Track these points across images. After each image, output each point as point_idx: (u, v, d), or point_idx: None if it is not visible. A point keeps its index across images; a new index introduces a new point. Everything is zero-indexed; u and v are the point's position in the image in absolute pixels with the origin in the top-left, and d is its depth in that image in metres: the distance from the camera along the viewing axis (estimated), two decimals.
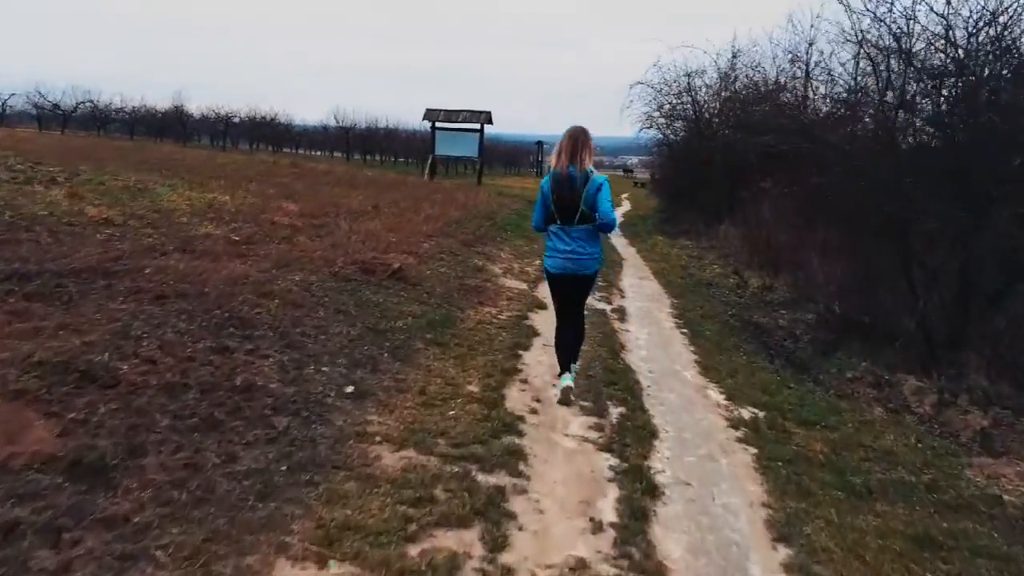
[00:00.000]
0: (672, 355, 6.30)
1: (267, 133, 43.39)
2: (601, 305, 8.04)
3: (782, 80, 13.39)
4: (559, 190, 4.42)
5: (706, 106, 15.10)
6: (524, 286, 8.30)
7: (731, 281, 10.65)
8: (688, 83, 14.84)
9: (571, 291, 4.71)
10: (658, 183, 27.47)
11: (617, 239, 15.45)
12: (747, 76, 14.30)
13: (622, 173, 70.61)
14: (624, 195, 37.57)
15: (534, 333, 6.09)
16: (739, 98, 14.33)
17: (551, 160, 4.54)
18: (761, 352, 7.01)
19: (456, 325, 5.74)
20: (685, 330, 7.37)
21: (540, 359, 5.39)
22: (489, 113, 27.17)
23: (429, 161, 27.78)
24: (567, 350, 4.73)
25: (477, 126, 27.14)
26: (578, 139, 4.46)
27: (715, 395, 5.28)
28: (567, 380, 4.59)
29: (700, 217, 15.04)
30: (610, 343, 6.27)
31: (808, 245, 10.21)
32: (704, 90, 14.95)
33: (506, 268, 9.13)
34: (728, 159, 13.80)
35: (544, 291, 7.06)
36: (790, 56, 13.42)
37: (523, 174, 59.10)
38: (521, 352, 5.45)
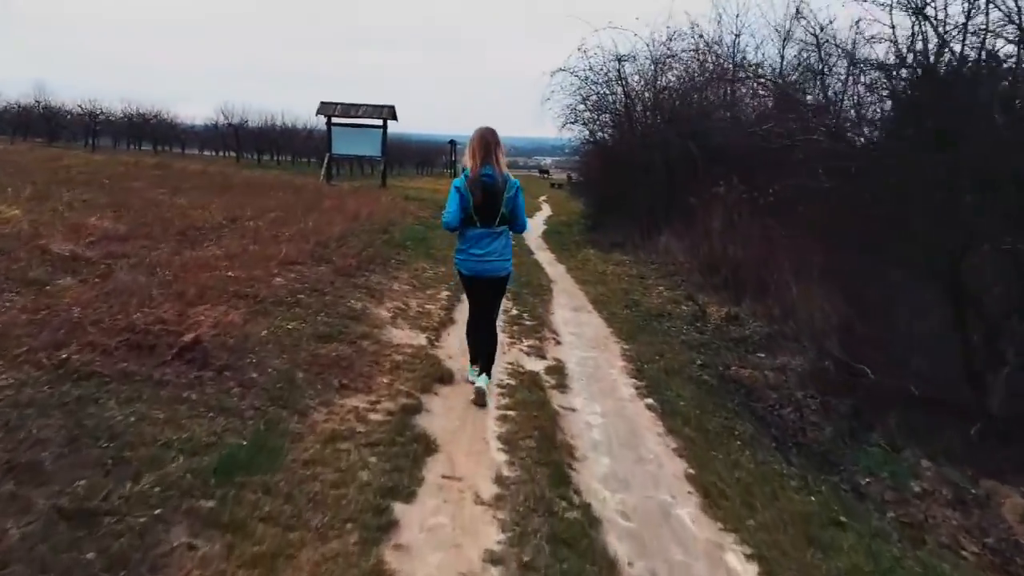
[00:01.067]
0: (647, 464, 4.02)
1: (148, 131, 38.83)
2: (533, 362, 5.69)
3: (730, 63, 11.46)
4: (480, 193, 4.40)
5: (639, 97, 13.10)
6: (422, 339, 5.83)
7: (685, 310, 8.52)
8: (619, 70, 12.82)
9: (487, 291, 4.73)
10: (582, 186, 25.49)
11: (542, 252, 13.16)
12: (689, 61, 12.35)
13: (538, 174, 69.01)
14: (542, 197, 35.56)
15: (431, 450, 3.65)
16: (677, 88, 12.39)
17: (466, 161, 4.53)
18: (762, 436, 4.84)
19: (280, 460, 3.14)
20: (651, 400, 5.12)
21: (439, 531, 2.91)
22: (392, 107, 24.46)
23: (325, 161, 24.77)
24: (486, 356, 4.73)
25: (379, 122, 24.38)
26: (489, 141, 4.47)
27: (741, 568, 3.01)
28: (481, 381, 4.59)
29: (635, 227, 12.97)
30: (548, 447, 3.91)
31: (780, 264, 8.25)
32: (636, 78, 12.97)
33: (398, 309, 6.62)
34: (668, 159, 11.78)
35: (451, 342, 5.92)
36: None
37: (436, 174, 56.36)
38: (400, 520, 2.91)
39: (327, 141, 24.75)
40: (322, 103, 24.53)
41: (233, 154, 43.92)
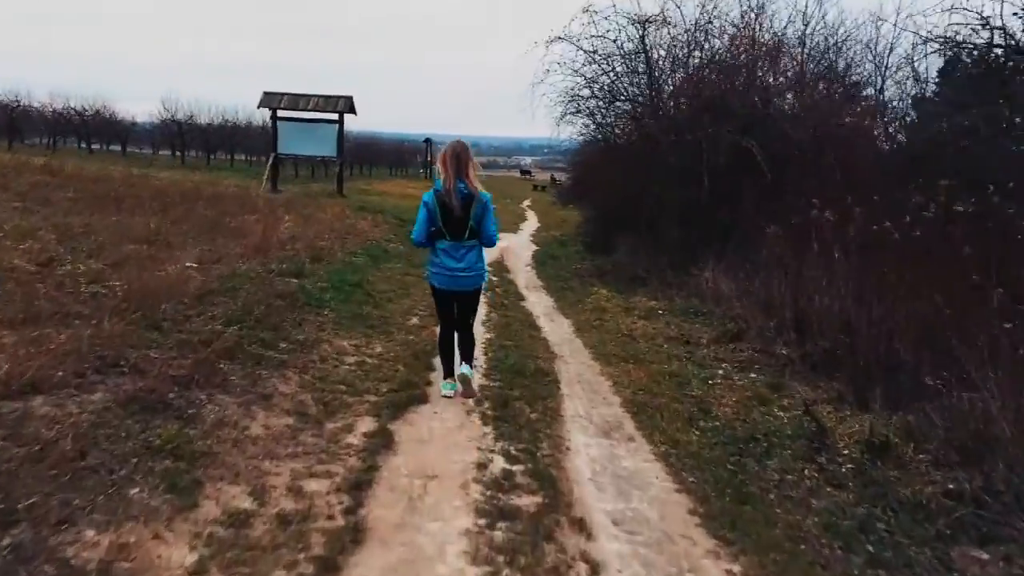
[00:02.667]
0: None
1: (81, 128, 34.56)
2: None
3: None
4: (449, 207, 4.46)
5: (668, 76, 9.50)
6: None
7: (786, 422, 4.94)
8: (641, 37, 9.16)
9: (459, 306, 4.80)
10: (578, 192, 21.92)
11: (535, 293, 9.47)
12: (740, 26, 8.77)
13: (519, 174, 65.43)
14: (525, 202, 31.91)
15: None
16: (728, 62, 8.82)
17: (438, 171, 4.58)
18: None
19: None
20: None
21: None
22: (350, 99, 20.67)
23: (269, 164, 20.93)
24: (451, 357, 4.81)
25: (334, 116, 20.60)
26: (460, 156, 4.51)
27: None
28: (449, 388, 4.72)
29: (662, 254, 9.41)
30: None
31: (970, 347, 4.71)
32: (664, 52, 9.31)
33: (225, 518, 2.91)
34: (714, 163, 8.24)
35: None
36: None
37: (411, 176, 52.52)
38: None
39: (271, 139, 20.93)
40: (265, 93, 20.68)
41: (191, 154, 39.81)
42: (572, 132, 12.67)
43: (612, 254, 12.68)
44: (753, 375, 5.97)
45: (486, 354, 5.94)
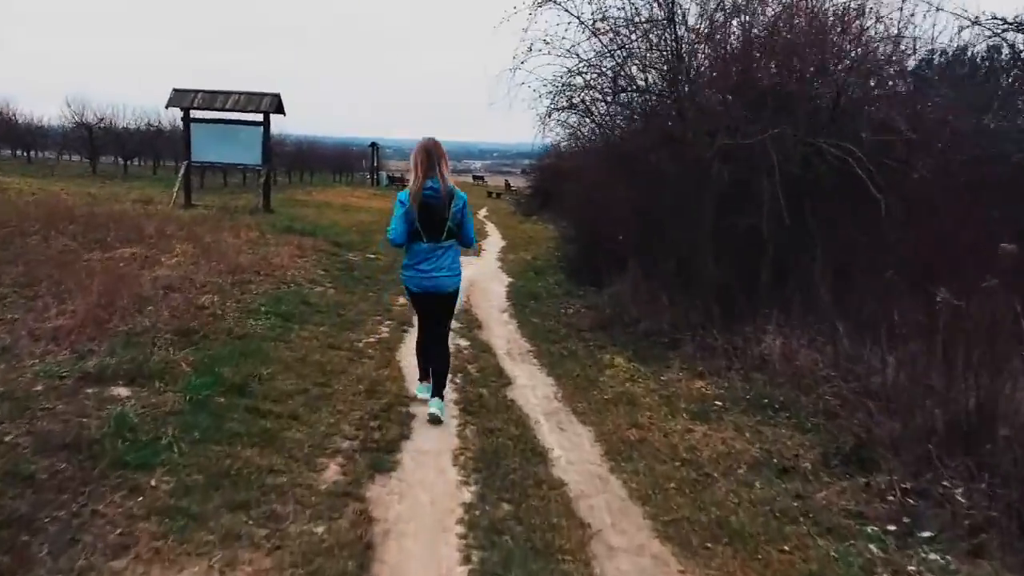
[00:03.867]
0: None
1: None
2: None
3: None
4: (425, 206, 4.34)
5: (700, 58, 6.71)
6: None
7: None
8: (671, 3, 6.31)
9: (436, 309, 4.70)
10: (549, 202, 19.18)
11: (521, 363, 6.37)
12: None
13: (472, 180, 62.57)
14: (482, 212, 29.04)
15: None
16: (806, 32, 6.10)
17: (410, 176, 4.48)
18: None
19: None
20: None
21: None
22: (277, 97, 17.50)
23: (181, 173, 17.62)
24: (437, 376, 4.71)
25: (258, 117, 17.41)
26: (432, 153, 4.40)
27: None
28: (435, 406, 4.59)
29: (697, 301, 6.73)
30: None
31: None
32: (700, 20, 6.54)
33: None
34: (780, 178, 5.59)
35: None
36: None
37: (356, 182, 49.07)
38: None
39: (184, 144, 17.63)
40: (175, 91, 17.35)
41: (108, 159, 35.68)
42: (560, 133, 9.87)
43: (604, 287, 9.97)
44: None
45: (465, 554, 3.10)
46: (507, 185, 51.32)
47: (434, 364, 4.74)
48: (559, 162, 16.37)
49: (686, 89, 6.67)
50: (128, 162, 31.36)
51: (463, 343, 6.78)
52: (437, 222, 4.40)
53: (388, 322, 7.20)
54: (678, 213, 6.94)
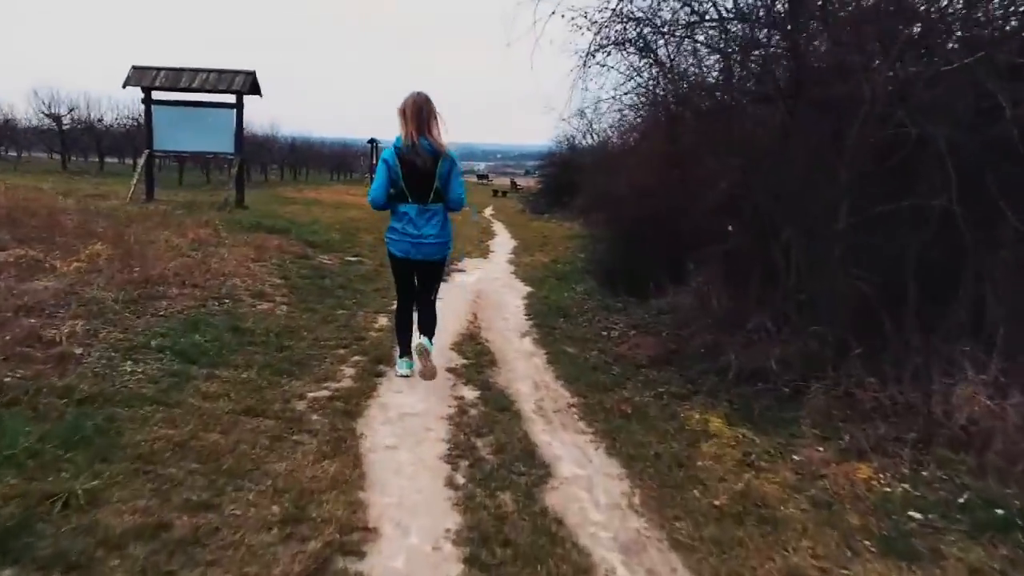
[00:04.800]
0: None
1: None
2: None
3: None
4: (411, 165, 4.06)
5: None
6: None
7: None
8: None
9: (420, 277, 4.45)
10: (566, 199, 16.81)
11: (563, 429, 3.86)
12: None
13: (476, 180, 60.35)
14: (488, 210, 26.67)
15: None
16: None
17: (400, 131, 4.11)
18: None
19: None
20: None
21: None
22: (252, 75, 15.12)
23: (141, 163, 15.26)
24: (408, 333, 4.47)
25: (229, 99, 15.06)
26: (423, 108, 4.07)
27: None
28: (405, 367, 4.44)
29: (824, 329, 4.32)
30: None
31: None
32: None
33: None
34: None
35: None
36: None
37: (354, 181, 46.73)
38: None
39: (145, 130, 15.28)
40: (134, 68, 14.99)
41: (81, 158, 33.42)
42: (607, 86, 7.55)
43: (651, 297, 7.62)
44: None
45: None
46: (513, 184, 49.05)
47: (421, 320, 4.45)
48: (575, 156, 13.97)
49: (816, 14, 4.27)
50: (105, 158, 28.93)
51: (469, 394, 4.38)
52: (423, 183, 4.11)
53: (357, 359, 4.82)
54: (795, 197, 4.53)
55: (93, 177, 24.53)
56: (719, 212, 4.69)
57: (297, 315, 5.78)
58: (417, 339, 4.36)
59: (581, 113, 13.98)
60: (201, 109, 15.12)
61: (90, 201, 12.94)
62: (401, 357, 4.52)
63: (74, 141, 27.90)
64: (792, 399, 4.49)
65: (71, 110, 25.98)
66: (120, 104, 29.27)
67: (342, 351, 4.94)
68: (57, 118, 25.78)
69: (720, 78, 5.36)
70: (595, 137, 24.13)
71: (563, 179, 23.71)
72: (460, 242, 12.33)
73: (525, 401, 4.38)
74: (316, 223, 13.02)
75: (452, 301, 6.87)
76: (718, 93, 4.89)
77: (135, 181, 14.66)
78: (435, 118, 4.12)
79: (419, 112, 4.05)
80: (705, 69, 5.68)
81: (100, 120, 27.70)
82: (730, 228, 4.40)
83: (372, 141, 46.90)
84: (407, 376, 4.39)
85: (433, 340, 4.43)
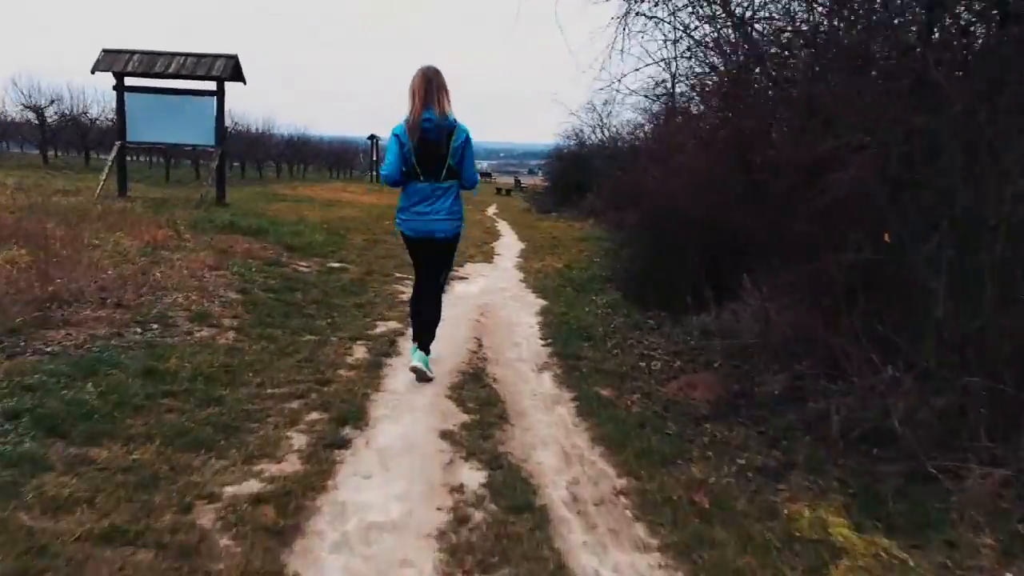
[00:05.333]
0: None
1: None
2: None
3: None
4: (422, 141, 3.92)
5: None
6: None
7: None
8: None
9: (433, 255, 4.29)
10: (574, 197, 15.41)
11: (609, 546, 2.48)
12: None
13: (479, 178, 58.62)
14: (491, 208, 25.28)
15: None
16: None
17: (408, 107, 3.94)
18: None
19: None
20: None
21: None
22: (233, 59, 13.73)
23: (112, 156, 13.91)
24: (425, 325, 4.29)
25: (210, 86, 13.68)
26: (432, 80, 3.93)
27: None
28: (417, 359, 4.16)
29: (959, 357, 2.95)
30: None
31: None
32: None
33: None
34: None
35: None
36: None
37: (356, 179, 45.38)
38: None
39: (117, 120, 13.92)
40: (105, 52, 13.64)
41: (69, 153, 32.11)
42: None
43: (681, 311, 6.30)
44: None
45: None
46: (517, 182, 47.70)
47: (423, 316, 4.31)
48: (585, 152, 12.63)
49: None
50: (91, 153, 27.58)
51: (471, 479, 2.98)
52: (435, 159, 3.96)
53: (313, 417, 3.43)
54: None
55: (76, 173, 23.19)
56: (831, 210, 3.31)
57: (246, 346, 4.41)
58: (412, 361, 4.17)
59: (591, 107, 12.58)
60: (178, 97, 13.75)
61: (55, 198, 11.59)
62: (415, 342, 4.29)
63: (56, 134, 26.47)
64: (933, 480, 3.12)
65: (52, 101, 24.62)
66: (108, 96, 27.89)
67: (295, 404, 3.56)
68: (38, 110, 24.42)
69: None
70: (606, 132, 22.82)
71: (572, 176, 22.34)
72: (462, 244, 10.89)
73: (552, 486, 3.00)
74: (301, 223, 11.66)
75: (452, 321, 5.52)
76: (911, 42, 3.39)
77: (104, 176, 13.30)
78: (445, 91, 3.94)
79: (428, 84, 3.90)
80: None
81: (85, 113, 26.29)
82: (886, 236, 3.00)
83: (373, 137, 45.64)
84: (417, 371, 4.10)
85: (432, 345, 4.28)
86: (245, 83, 14.31)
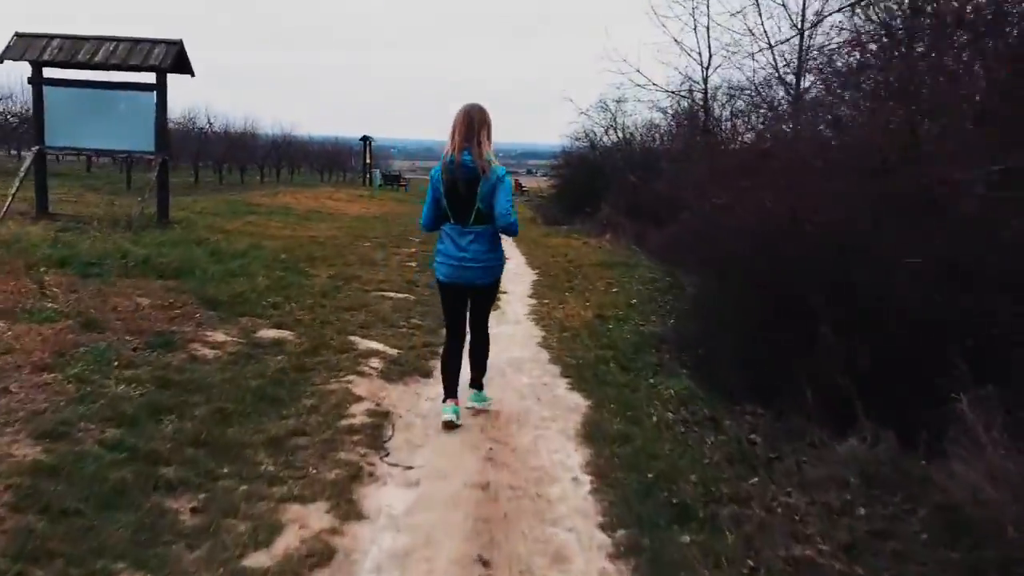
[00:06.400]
0: None
1: None
2: None
3: None
4: (452, 182, 3.76)
5: None
6: None
7: None
8: None
9: (468, 302, 4.04)
10: (589, 206, 12.86)
11: None
12: None
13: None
14: None
15: None
16: None
17: (446, 147, 3.80)
18: None
19: None
20: None
21: None
22: (177, 46, 11.13)
23: (27, 164, 11.34)
24: (455, 374, 4.02)
25: (149, 78, 11.11)
26: (474, 118, 3.77)
27: None
28: (451, 412, 3.88)
29: None
30: None
31: None
32: None
33: None
34: None
35: None
36: None
37: (346, 183, 42.83)
38: None
39: (34, 120, 11.33)
40: (17, 36, 11.06)
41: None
42: None
43: (807, 422, 3.80)
44: None
45: None
46: (519, 186, 45.11)
47: (472, 356, 4.14)
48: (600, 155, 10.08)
49: None
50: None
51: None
52: (464, 201, 3.76)
53: None
54: None
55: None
56: None
57: None
58: (443, 415, 3.87)
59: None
60: (110, 92, 11.17)
61: None
62: (445, 401, 3.95)
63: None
64: None
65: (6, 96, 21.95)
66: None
67: None
68: None
69: None
70: (619, 132, 20.26)
71: (583, 183, 19.78)
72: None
73: None
74: (252, 251, 9.06)
75: (431, 490, 3.00)
76: None
77: (14, 189, 10.69)
78: (485, 130, 3.77)
79: (468, 123, 3.75)
80: None
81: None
82: None
83: (365, 139, 43.09)
84: (451, 423, 3.78)
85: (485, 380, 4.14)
86: (193, 75, 11.75)
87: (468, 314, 4.06)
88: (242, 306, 6.11)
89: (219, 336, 5.14)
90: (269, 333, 5.43)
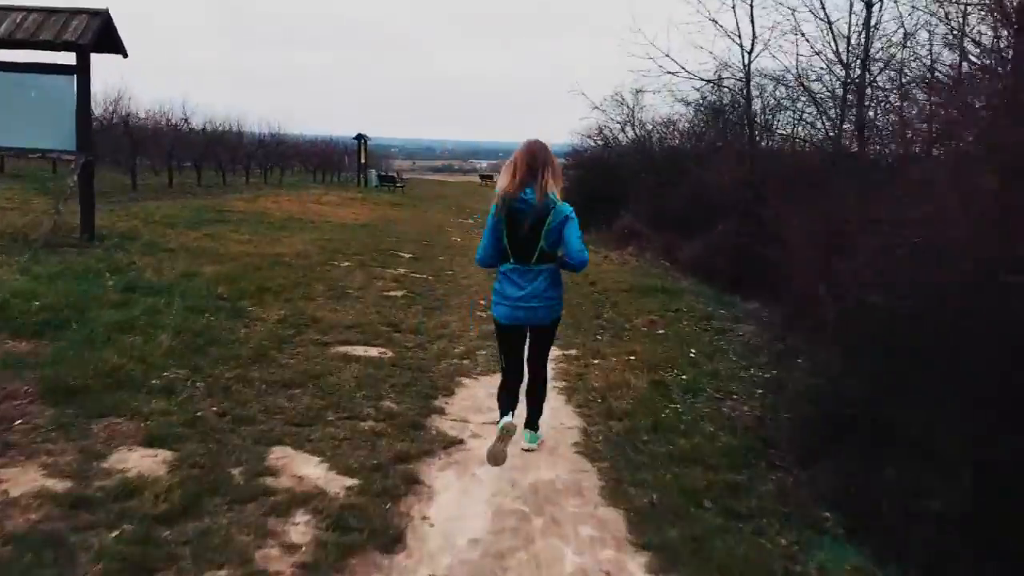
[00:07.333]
0: None
1: None
2: None
3: None
4: (513, 222, 3.55)
5: None
6: None
7: None
8: None
9: (527, 342, 3.85)
10: (606, 211, 10.64)
11: None
12: None
13: (479, 180, 54.61)
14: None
15: None
16: None
17: (500, 181, 3.60)
18: None
19: None
20: None
21: None
22: (102, 17, 8.85)
23: None
24: (530, 402, 3.89)
25: (69, 57, 8.88)
26: (538, 156, 3.57)
27: None
28: (529, 440, 3.84)
29: None
30: None
31: None
32: None
33: None
34: None
35: None
36: None
37: (339, 184, 40.57)
38: None
39: None
40: None
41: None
42: None
43: None
44: None
45: None
46: None
47: (529, 396, 3.89)
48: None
49: None
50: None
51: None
52: (526, 240, 3.56)
53: None
54: None
55: None
56: None
57: None
58: (525, 439, 3.84)
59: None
60: (16, 75, 8.91)
61: None
62: (503, 416, 3.65)
63: None
64: None
65: None
66: None
67: None
68: None
69: None
70: (637, 130, 18.04)
71: (598, 187, 17.56)
72: (438, 330, 6.06)
73: None
74: (183, 283, 6.81)
75: None
76: None
77: None
78: (551, 168, 3.56)
79: (532, 159, 3.54)
80: None
81: None
82: None
83: (359, 137, 40.85)
84: (510, 426, 3.53)
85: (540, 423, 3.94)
86: (126, 55, 9.48)
87: (527, 353, 3.86)
88: (114, 393, 3.87)
89: (27, 475, 2.89)
90: (127, 459, 3.18)
